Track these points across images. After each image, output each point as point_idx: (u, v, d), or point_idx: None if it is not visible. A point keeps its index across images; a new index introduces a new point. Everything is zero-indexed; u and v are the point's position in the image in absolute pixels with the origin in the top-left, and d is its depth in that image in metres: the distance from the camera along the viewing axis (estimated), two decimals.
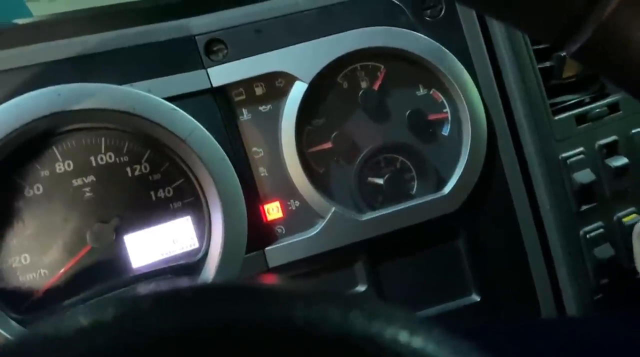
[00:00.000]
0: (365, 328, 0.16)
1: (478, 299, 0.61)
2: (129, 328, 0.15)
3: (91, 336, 0.14)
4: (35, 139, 0.52)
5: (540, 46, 0.63)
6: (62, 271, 0.52)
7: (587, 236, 0.62)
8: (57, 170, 0.53)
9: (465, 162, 0.60)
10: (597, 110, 0.64)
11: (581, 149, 0.62)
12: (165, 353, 0.15)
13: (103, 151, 0.54)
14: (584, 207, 0.62)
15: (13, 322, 0.50)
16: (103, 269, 0.53)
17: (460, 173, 0.60)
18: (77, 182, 0.53)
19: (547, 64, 0.63)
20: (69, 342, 0.14)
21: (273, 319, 0.15)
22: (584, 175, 0.61)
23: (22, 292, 0.52)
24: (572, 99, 0.64)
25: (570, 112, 0.63)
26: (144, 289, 0.16)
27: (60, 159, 0.53)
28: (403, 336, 0.16)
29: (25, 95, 0.50)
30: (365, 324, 0.16)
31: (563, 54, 0.62)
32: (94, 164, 0.54)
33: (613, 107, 0.65)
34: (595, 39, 0.25)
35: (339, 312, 0.16)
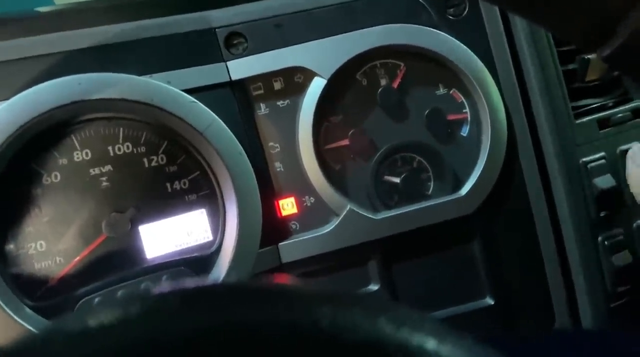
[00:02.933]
0: (393, 334, 0.15)
1: (492, 302, 0.61)
2: (152, 326, 0.14)
3: (115, 333, 0.14)
4: (54, 128, 0.52)
5: (564, 48, 0.61)
6: (77, 259, 0.53)
7: (606, 242, 0.61)
8: (75, 159, 0.53)
9: (483, 164, 0.59)
10: (620, 115, 0.63)
11: (602, 154, 0.61)
12: (187, 353, 0.15)
13: (121, 141, 0.54)
14: (603, 213, 0.61)
15: (27, 309, 0.50)
16: (117, 258, 0.53)
17: (478, 175, 0.59)
18: (94, 171, 0.53)
19: (571, 66, 0.62)
20: (92, 338, 0.14)
21: (298, 323, 0.15)
22: (605, 181, 0.60)
23: (37, 279, 0.52)
24: (594, 102, 0.63)
25: (593, 116, 0.62)
26: (167, 286, 0.16)
27: (79, 148, 0.53)
28: (431, 344, 0.15)
29: (46, 83, 0.50)
30: (393, 330, 0.15)
31: (587, 56, 0.61)
32: (111, 153, 0.54)
33: (636, 112, 0.63)
34: (629, 42, 0.24)
35: (366, 318, 0.15)
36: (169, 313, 0.15)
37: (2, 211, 0.51)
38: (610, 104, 0.64)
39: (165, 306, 0.15)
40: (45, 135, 0.52)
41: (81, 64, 0.52)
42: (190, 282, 0.16)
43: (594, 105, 0.63)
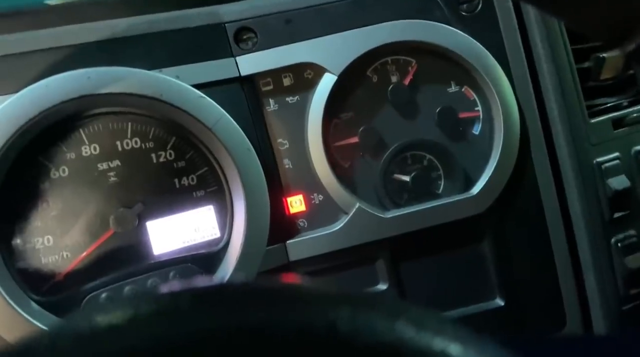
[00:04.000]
0: (412, 338, 0.14)
1: (502, 303, 0.60)
2: (163, 326, 0.14)
3: (126, 333, 0.14)
4: (63, 121, 0.52)
5: (579, 46, 0.60)
6: (84, 254, 0.52)
7: (619, 244, 0.60)
8: (83, 154, 0.53)
9: (495, 163, 0.58)
10: (635, 114, 0.62)
11: (617, 154, 0.60)
12: (200, 354, 0.14)
13: (129, 136, 0.54)
14: (616, 215, 0.60)
15: (33, 304, 0.50)
16: (124, 254, 0.53)
17: (489, 174, 0.58)
18: (102, 166, 0.53)
19: (585, 64, 0.61)
20: (101, 338, 0.14)
21: (316, 325, 0.14)
22: (619, 182, 0.59)
23: (44, 274, 0.52)
24: (609, 102, 0.62)
25: (607, 116, 0.61)
26: (178, 285, 0.15)
27: (87, 142, 0.53)
28: (454, 349, 0.15)
29: (55, 76, 0.50)
30: (413, 334, 0.15)
31: (602, 54, 0.60)
32: (119, 148, 0.53)
33: None
34: None
35: (385, 321, 0.15)
36: (180, 313, 0.14)
37: (9, 205, 0.51)
38: (625, 104, 0.63)
39: (176, 306, 0.14)
40: (53, 129, 0.51)
41: (90, 58, 0.52)
42: (203, 282, 0.15)
43: (608, 105, 0.62)
